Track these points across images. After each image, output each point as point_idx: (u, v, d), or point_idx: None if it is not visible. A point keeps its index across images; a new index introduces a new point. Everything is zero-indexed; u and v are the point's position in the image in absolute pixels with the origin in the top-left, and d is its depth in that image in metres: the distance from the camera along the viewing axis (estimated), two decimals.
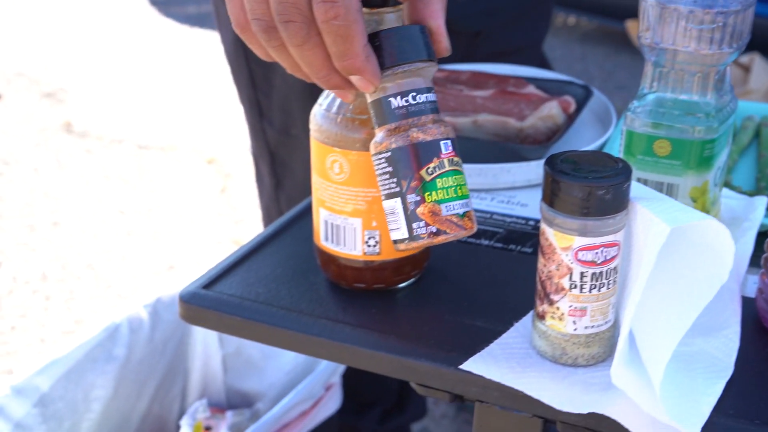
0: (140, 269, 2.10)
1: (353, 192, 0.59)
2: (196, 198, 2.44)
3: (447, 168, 0.52)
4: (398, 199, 0.53)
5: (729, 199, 0.70)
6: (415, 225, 0.53)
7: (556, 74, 0.95)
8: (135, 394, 1.20)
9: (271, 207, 1.22)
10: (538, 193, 0.76)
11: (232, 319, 0.60)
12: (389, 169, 0.52)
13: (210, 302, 0.61)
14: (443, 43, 0.53)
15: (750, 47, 2.57)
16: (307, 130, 1.10)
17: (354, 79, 0.50)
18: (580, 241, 0.50)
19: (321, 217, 0.61)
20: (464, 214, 0.52)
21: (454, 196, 0.52)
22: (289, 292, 0.62)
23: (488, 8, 1.07)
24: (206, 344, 1.26)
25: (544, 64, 1.25)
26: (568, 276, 0.51)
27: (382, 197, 0.54)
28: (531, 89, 0.88)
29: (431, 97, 0.52)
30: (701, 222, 0.48)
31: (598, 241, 0.50)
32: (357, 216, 0.59)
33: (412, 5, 0.53)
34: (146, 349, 1.20)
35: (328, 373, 1.10)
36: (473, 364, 0.54)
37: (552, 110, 0.82)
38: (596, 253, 0.51)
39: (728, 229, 0.64)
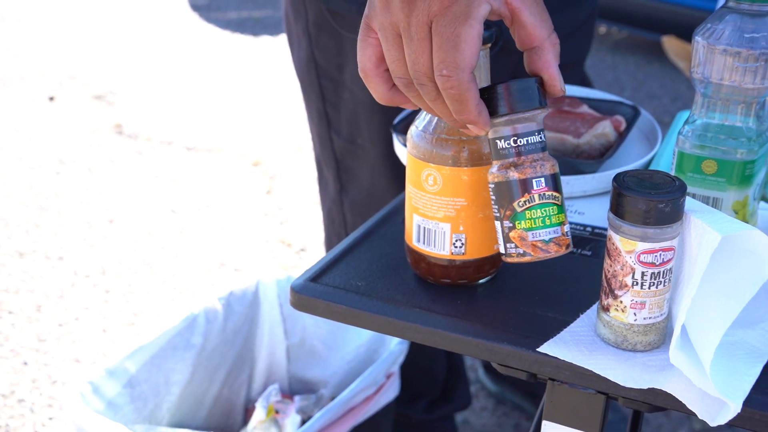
0: (193, 266, 2.22)
1: (444, 201, 0.69)
2: (243, 198, 2.56)
3: (536, 202, 0.62)
4: (498, 223, 0.64)
5: (766, 210, 0.80)
6: (508, 245, 0.64)
7: (606, 94, 1.05)
8: (208, 379, 1.31)
9: (333, 210, 1.32)
10: (593, 203, 0.86)
11: (338, 308, 0.70)
12: (494, 197, 0.64)
13: (318, 293, 0.72)
14: (557, 87, 0.63)
15: None
16: (371, 140, 1.20)
17: (469, 126, 0.61)
18: (642, 245, 0.60)
19: (414, 221, 0.71)
20: (550, 240, 0.63)
21: (541, 225, 0.63)
22: (385, 285, 0.73)
23: None
24: (272, 335, 1.37)
25: (584, 79, 1.34)
26: (631, 275, 0.62)
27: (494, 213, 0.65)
28: (585, 109, 0.98)
29: (534, 139, 0.62)
30: (747, 232, 0.58)
31: (657, 246, 0.60)
32: (447, 221, 0.69)
33: (528, 56, 0.63)
34: (219, 338, 1.31)
35: (389, 362, 1.21)
36: (548, 347, 0.64)
37: (605, 129, 0.92)
38: (655, 256, 0.61)
39: None
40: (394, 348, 1.22)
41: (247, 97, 3.23)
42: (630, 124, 0.96)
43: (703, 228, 0.58)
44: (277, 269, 2.11)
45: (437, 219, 0.70)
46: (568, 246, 0.64)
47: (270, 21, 4.06)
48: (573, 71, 1.27)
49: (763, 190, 0.88)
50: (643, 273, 0.61)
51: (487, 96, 0.62)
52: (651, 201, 0.59)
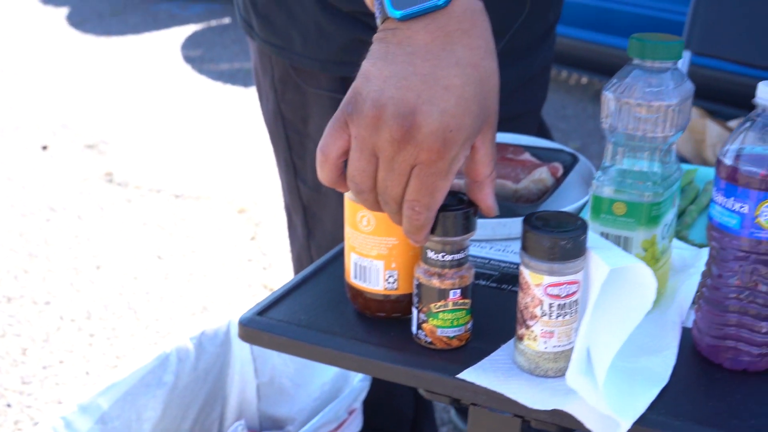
0: (176, 310, 2.27)
1: (377, 240, 0.75)
2: (228, 244, 2.62)
3: (450, 308, 0.72)
4: (416, 310, 0.74)
5: (682, 249, 0.87)
6: (419, 331, 0.74)
7: (550, 143, 1.12)
8: (180, 416, 1.36)
9: (302, 254, 1.37)
10: None
11: (281, 339, 0.76)
12: (416, 291, 0.73)
13: (263, 325, 0.78)
14: (491, 214, 0.71)
15: (737, 107, 2.74)
16: (333, 189, 1.27)
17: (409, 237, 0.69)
18: (548, 279, 0.67)
19: (351, 259, 0.78)
20: (454, 336, 0.73)
21: (449, 325, 0.73)
22: (326, 318, 0.79)
23: None
24: (243, 374, 1.42)
25: (542, 126, 1.41)
26: (540, 306, 0.68)
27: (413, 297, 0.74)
28: (527, 156, 1.05)
29: (459, 256, 0.71)
30: (633, 265, 0.64)
31: (562, 279, 0.67)
32: (380, 259, 0.76)
33: (469, 184, 0.70)
34: (191, 376, 1.36)
35: (351, 399, 1.26)
36: (467, 374, 0.70)
37: (542, 174, 0.99)
38: (561, 288, 0.67)
39: (677, 275, 0.81)
40: (356, 384, 1.27)
41: (236, 146, 3.31)
42: (568, 170, 1.02)
43: (597, 261, 0.64)
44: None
45: (371, 257, 0.76)
46: (468, 339, 0.75)
47: None
48: (529, 119, 1.33)
49: (685, 230, 0.95)
50: (550, 304, 0.67)
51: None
52: (554, 238, 0.66)
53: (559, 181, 1.00)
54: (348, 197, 0.77)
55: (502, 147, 1.07)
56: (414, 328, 0.75)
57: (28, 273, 2.44)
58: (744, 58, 2.03)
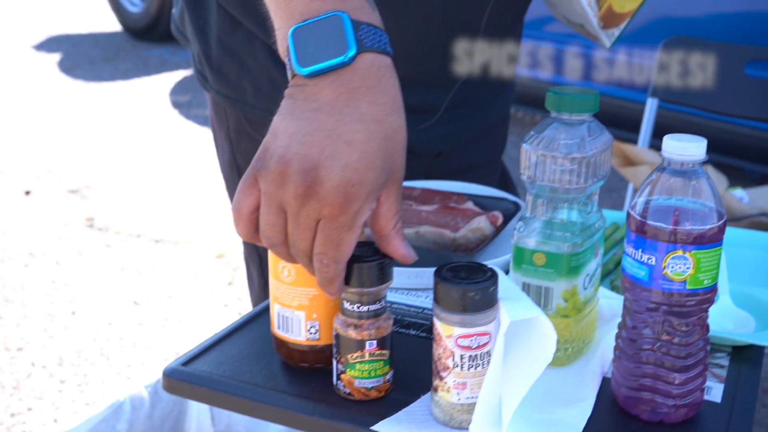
0: (149, 356, 2.26)
1: (298, 291, 0.76)
2: (205, 290, 2.62)
3: (366, 359, 0.72)
4: (335, 361, 0.74)
5: (611, 299, 0.87)
6: (338, 382, 0.74)
7: (495, 191, 1.13)
8: None
9: (258, 303, 1.38)
10: None
11: (202, 390, 0.76)
12: (335, 341, 0.73)
13: (186, 376, 0.78)
14: (408, 261, 0.71)
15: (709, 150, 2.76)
16: None
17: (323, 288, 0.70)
18: (458, 330, 0.67)
19: (275, 310, 0.78)
20: (372, 387, 0.73)
21: (367, 376, 0.73)
22: (250, 369, 0.79)
23: (448, 132, 1.20)
24: (199, 422, 1.41)
25: (504, 174, 1.41)
26: (451, 357, 0.68)
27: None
28: (469, 205, 1.05)
29: (375, 306, 0.72)
30: (534, 317, 0.64)
31: (472, 330, 0.67)
32: (301, 309, 0.76)
33: (378, 239, 0.70)
34: (146, 425, 1.35)
35: None
36: (383, 426, 0.70)
37: (480, 223, 0.99)
38: (471, 340, 0.67)
39: (606, 325, 0.81)
40: None
41: (218, 191, 3.33)
42: (508, 218, 1.03)
43: (503, 312, 0.65)
44: None
45: (293, 307, 0.76)
46: (387, 390, 0.74)
47: None
48: (488, 169, 1.33)
49: (618, 279, 0.95)
50: (461, 356, 0.68)
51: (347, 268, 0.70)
52: (463, 290, 0.66)
53: (498, 230, 1.01)
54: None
55: (445, 196, 1.08)
56: (334, 379, 0.75)
57: (2, 319, 2.44)
58: (707, 105, 2.06)
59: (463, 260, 0.72)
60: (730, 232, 1.09)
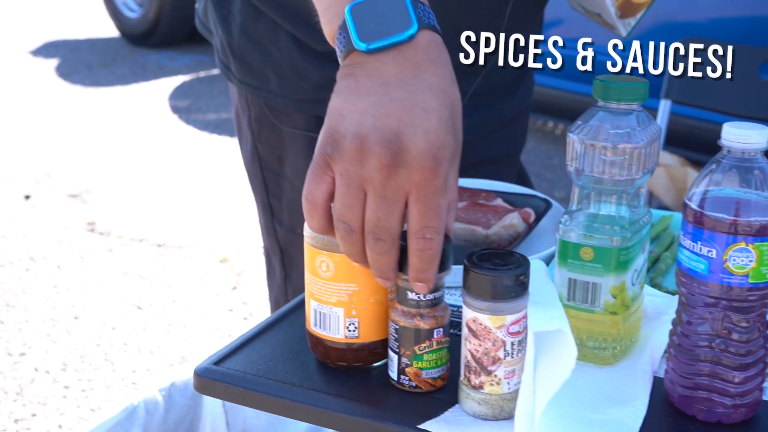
0: (154, 361, 2.22)
1: (337, 286, 0.73)
2: (209, 294, 2.58)
3: (434, 348, 0.70)
4: (396, 356, 0.71)
5: (654, 297, 0.84)
6: (402, 377, 0.71)
7: (523, 189, 1.10)
8: None
9: (280, 297, 1.35)
10: None
11: (236, 390, 0.73)
12: (395, 336, 0.70)
13: (219, 375, 0.75)
14: (450, 234, 0.69)
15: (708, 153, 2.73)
16: None
17: (417, 284, 0.68)
18: (510, 318, 0.65)
19: (311, 306, 0.75)
20: (438, 377, 0.71)
21: (434, 366, 0.70)
22: (285, 368, 0.76)
23: (470, 123, 1.21)
24: (214, 426, 1.38)
25: (521, 171, 1.40)
26: (502, 348, 0.65)
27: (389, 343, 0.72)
28: (498, 202, 1.03)
29: (438, 294, 0.70)
30: (556, 330, 0.63)
31: (520, 315, 0.65)
32: (340, 306, 0.73)
33: None
34: (160, 429, 1.32)
35: None
36: (430, 425, 0.67)
37: (513, 220, 0.97)
38: (520, 324, 0.65)
39: (650, 323, 0.78)
40: None
41: (220, 195, 3.30)
42: (540, 215, 1.00)
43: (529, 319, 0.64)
44: None
45: (331, 304, 0.73)
46: (447, 378, 0.72)
47: None
48: (507, 163, 1.32)
49: (659, 277, 0.93)
50: (512, 343, 0.66)
51: (403, 255, 0.67)
52: (512, 275, 0.65)
53: (531, 227, 0.98)
54: (308, 242, 0.75)
55: (474, 192, 1.05)
56: (395, 374, 0.72)
57: (4, 324, 2.40)
58: (721, 106, 2.04)
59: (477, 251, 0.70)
60: None
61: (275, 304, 1.37)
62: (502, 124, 1.25)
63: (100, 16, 6.18)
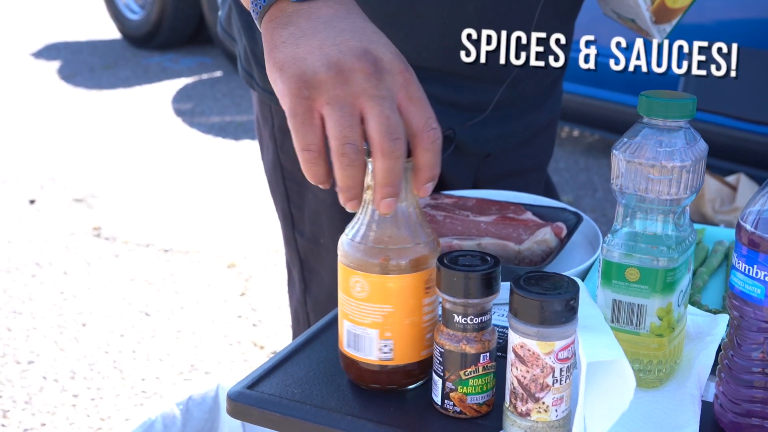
0: (164, 369, 2.20)
1: (371, 307, 0.71)
2: (217, 300, 2.56)
3: (480, 373, 0.68)
4: (440, 380, 0.69)
5: (695, 316, 0.82)
6: (446, 402, 0.69)
7: (551, 201, 1.08)
8: None
9: (299, 310, 1.33)
10: None
11: (272, 415, 0.71)
12: (440, 359, 0.68)
13: (253, 400, 0.72)
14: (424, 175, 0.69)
15: (736, 163, 2.72)
16: (333, 241, 1.23)
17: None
18: (559, 344, 0.63)
19: (344, 327, 0.73)
20: (483, 403, 0.69)
21: (480, 392, 0.69)
22: (320, 391, 0.74)
23: (498, 133, 1.17)
24: None
25: (548, 182, 1.37)
26: (551, 374, 0.63)
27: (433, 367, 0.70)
28: (528, 215, 1.01)
29: (486, 317, 0.68)
30: (613, 361, 0.60)
31: (569, 340, 0.63)
32: (374, 327, 0.71)
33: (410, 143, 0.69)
34: None
35: None
36: None
37: (546, 235, 0.95)
38: (569, 350, 0.63)
39: (692, 343, 0.76)
40: None
41: (226, 200, 3.27)
42: (571, 230, 0.98)
43: (580, 349, 0.61)
44: (239, 372, 2.10)
45: (365, 325, 0.71)
46: (492, 404, 0.70)
47: (251, 125, 4.14)
48: (535, 176, 1.30)
49: (696, 294, 0.91)
50: (561, 369, 0.63)
51: (455, 279, 0.66)
52: (562, 300, 0.62)
53: (563, 242, 0.96)
54: (342, 261, 0.72)
55: (502, 205, 1.03)
56: (439, 399, 0.70)
57: (11, 331, 2.37)
58: (737, 112, 2.02)
59: (522, 271, 0.68)
60: None
61: (295, 316, 1.35)
62: (531, 136, 1.23)
63: (101, 18, 6.15)
